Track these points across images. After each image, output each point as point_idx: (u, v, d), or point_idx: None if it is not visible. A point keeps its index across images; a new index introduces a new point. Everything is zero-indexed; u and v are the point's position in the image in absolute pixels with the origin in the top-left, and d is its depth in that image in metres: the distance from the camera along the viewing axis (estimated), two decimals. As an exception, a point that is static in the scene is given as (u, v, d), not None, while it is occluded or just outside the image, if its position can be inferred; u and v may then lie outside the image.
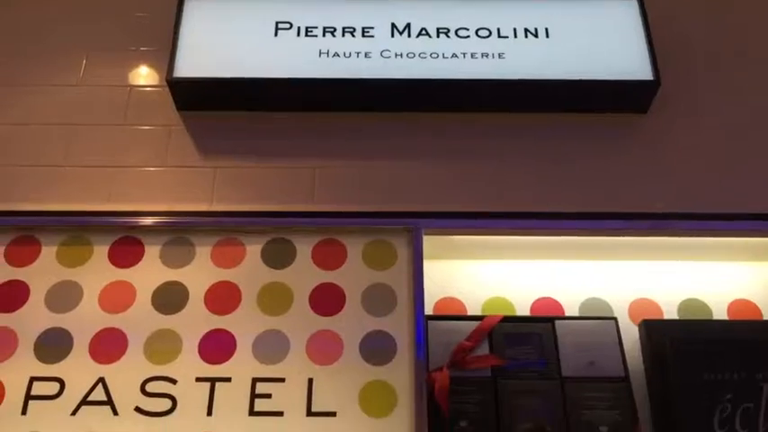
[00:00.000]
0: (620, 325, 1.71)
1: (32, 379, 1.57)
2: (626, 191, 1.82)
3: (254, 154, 1.86)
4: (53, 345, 1.61)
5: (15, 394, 1.55)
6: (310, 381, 1.58)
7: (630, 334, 1.74)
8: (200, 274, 1.70)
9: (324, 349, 1.62)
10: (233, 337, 1.63)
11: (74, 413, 1.53)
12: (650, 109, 1.92)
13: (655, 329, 1.69)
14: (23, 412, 1.53)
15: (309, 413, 1.55)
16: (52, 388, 1.56)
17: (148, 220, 1.74)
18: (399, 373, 1.60)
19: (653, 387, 1.66)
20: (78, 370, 1.58)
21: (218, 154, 1.86)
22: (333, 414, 1.55)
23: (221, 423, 1.53)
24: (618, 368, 1.64)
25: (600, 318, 1.74)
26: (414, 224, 1.75)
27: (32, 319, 1.64)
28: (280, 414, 1.55)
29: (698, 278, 1.86)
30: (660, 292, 1.84)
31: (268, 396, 1.57)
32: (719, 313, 1.82)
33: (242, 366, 1.59)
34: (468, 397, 1.61)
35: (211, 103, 1.91)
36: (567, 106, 1.91)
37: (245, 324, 1.64)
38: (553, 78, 1.86)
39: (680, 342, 1.64)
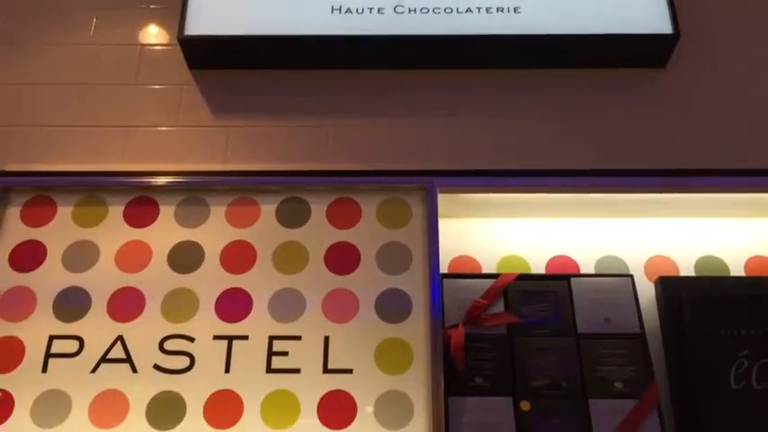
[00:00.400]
0: (636, 282, 1.70)
1: (52, 337, 1.59)
2: (644, 147, 1.80)
3: (268, 113, 1.85)
4: (71, 304, 1.62)
5: (35, 352, 1.57)
6: (326, 338, 1.59)
7: (646, 292, 1.74)
8: (214, 233, 1.70)
9: (339, 307, 1.63)
10: (249, 295, 1.63)
11: (93, 371, 1.55)
12: (669, 62, 1.88)
13: (671, 286, 1.68)
14: (44, 370, 1.55)
15: (326, 370, 1.56)
16: (71, 346, 1.58)
17: (162, 180, 1.74)
18: (415, 331, 1.60)
19: (669, 344, 1.66)
20: (97, 328, 1.60)
21: (230, 113, 1.85)
22: (349, 371, 1.56)
23: (239, 380, 1.55)
24: (634, 325, 1.64)
25: (616, 275, 1.73)
26: (428, 182, 1.74)
27: (50, 278, 1.65)
28: (297, 371, 1.56)
29: (714, 235, 1.84)
30: (677, 250, 1.83)
31: (285, 354, 1.58)
32: (736, 270, 1.80)
33: (258, 324, 1.60)
34: (484, 354, 1.62)
35: (223, 61, 1.89)
36: (583, 61, 1.88)
37: (260, 283, 1.65)
38: (569, 33, 1.82)
39: (696, 298, 1.63)
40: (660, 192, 1.76)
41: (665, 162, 1.78)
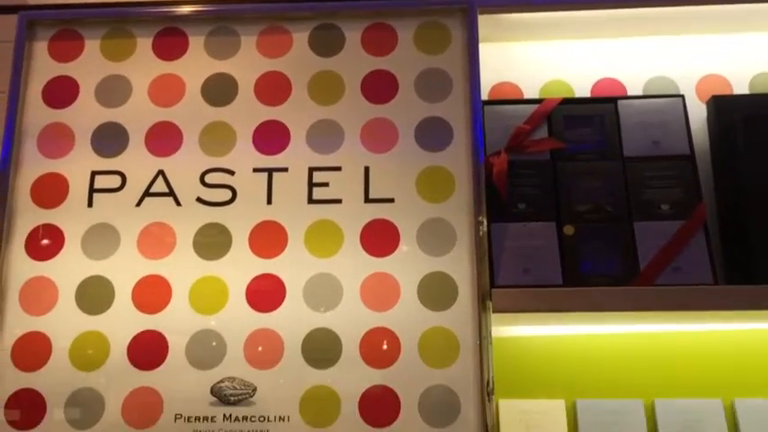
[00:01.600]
0: (686, 103, 1.63)
1: (94, 173, 1.59)
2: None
3: (294, -68, 1.73)
4: (109, 139, 1.61)
5: (79, 188, 1.58)
6: (366, 169, 1.57)
7: (698, 113, 1.67)
8: (247, 64, 1.65)
9: (378, 137, 1.59)
10: (286, 127, 1.60)
11: (138, 204, 1.57)
12: None
13: (724, 105, 1.61)
14: (89, 205, 1.57)
15: (367, 200, 1.56)
16: (114, 181, 1.59)
17: (188, 9, 1.66)
18: (456, 159, 1.57)
19: (718, 165, 1.62)
20: (137, 163, 1.59)
21: (255, -66, 1.73)
22: (391, 200, 1.55)
23: (282, 211, 1.55)
24: (683, 146, 1.59)
25: (665, 95, 1.66)
26: (467, 2, 1.64)
27: (85, 114, 1.63)
28: (338, 201, 1.56)
29: (771, 51, 1.74)
30: (730, 68, 1.73)
31: (326, 185, 1.57)
32: (794, 87, 1.72)
33: (297, 156, 1.59)
34: (527, 180, 1.60)
35: None
36: None
37: (297, 114, 1.61)
38: None
39: (750, 117, 1.57)
40: (712, 3, 1.64)
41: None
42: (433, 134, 1.59)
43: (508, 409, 1.60)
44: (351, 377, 1.45)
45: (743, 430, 1.54)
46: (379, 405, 1.44)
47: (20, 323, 1.50)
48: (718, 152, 1.62)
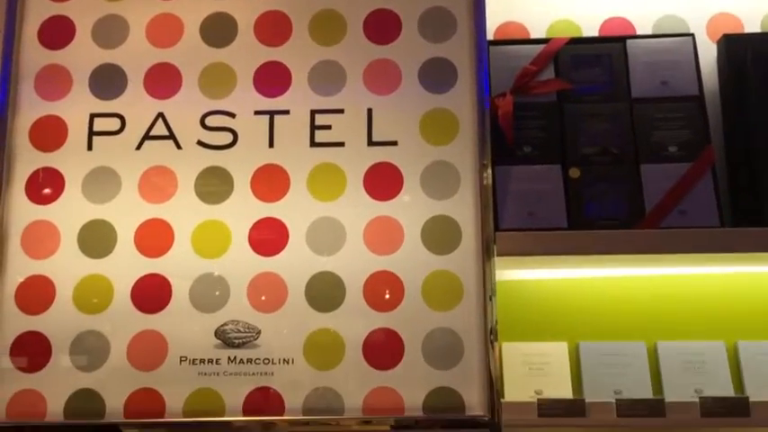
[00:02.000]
0: (697, 43, 1.59)
1: (93, 116, 1.57)
2: None
3: None
4: (108, 81, 1.58)
5: (78, 131, 1.56)
6: (369, 111, 1.55)
7: (708, 54, 1.64)
8: (246, 2, 1.60)
9: (381, 79, 1.56)
10: (287, 69, 1.57)
11: (138, 147, 1.55)
12: None
13: (735, 44, 1.57)
14: (89, 148, 1.55)
15: (370, 143, 1.53)
16: (113, 124, 1.56)
17: (182, -57, 1.62)
18: (461, 101, 1.54)
19: (728, 106, 1.59)
20: (136, 105, 1.57)
21: None
22: (394, 143, 1.53)
23: (284, 154, 1.53)
24: (692, 87, 1.56)
25: (675, 35, 1.62)
26: (474, -62, 1.59)
27: (82, 55, 1.60)
28: (341, 144, 1.53)
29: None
30: (742, 6, 1.69)
31: (328, 127, 1.55)
32: (808, 22, 1.68)
33: (299, 99, 1.56)
34: (533, 122, 1.57)
35: None
36: None
37: (298, 55, 1.57)
38: None
39: (762, 57, 1.53)
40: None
41: None
42: (437, 75, 1.56)
43: (511, 351, 1.60)
44: (354, 320, 1.46)
45: (745, 372, 1.55)
46: (383, 348, 1.44)
47: (23, 267, 1.50)
48: (729, 93, 1.59)
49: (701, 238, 1.43)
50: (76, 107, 1.58)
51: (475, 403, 1.41)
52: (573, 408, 1.38)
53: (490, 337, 1.42)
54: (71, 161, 1.55)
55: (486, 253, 1.45)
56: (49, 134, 1.56)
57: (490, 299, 1.43)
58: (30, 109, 1.58)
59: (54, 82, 1.59)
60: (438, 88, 1.55)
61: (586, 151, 1.54)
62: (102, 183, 1.53)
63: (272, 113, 1.56)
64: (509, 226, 1.50)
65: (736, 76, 1.56)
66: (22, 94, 1.59)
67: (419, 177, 1.51)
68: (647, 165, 1.51)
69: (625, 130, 1.54)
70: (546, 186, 1.53)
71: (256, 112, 1.56)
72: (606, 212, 1.50)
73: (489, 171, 1.49)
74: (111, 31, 1.61)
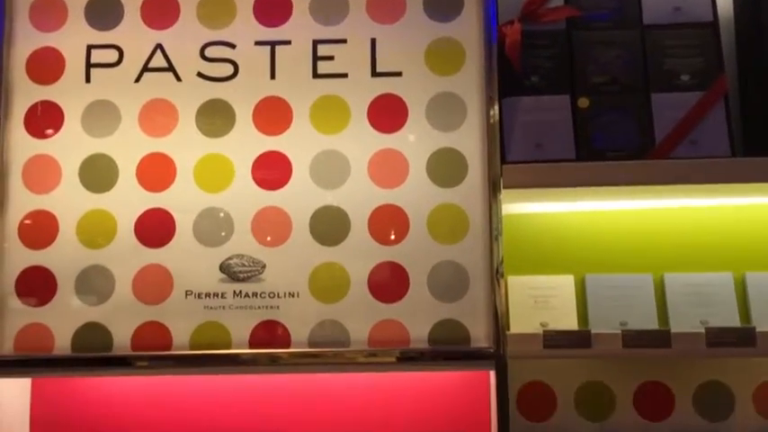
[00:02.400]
0: (712, -35, 1.54)
1: (90, 47, 1.53)
2: None
3: None
4: (103, 10, 1.54)
5: (76, 63, 1.53)
6: (373, 41, 1.51)
7: (723, -19, 1.58)
8: None
9: (385, 7, 1.52)
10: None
11: (137, 80, 1.52)
12: None
13: (753, -32, 1.52)
14: (87, 80, 1.52)
15: (374, 74, 1.50)
16: (111, 56, 1.53)
17: None
18: (467, 29, 1.50)
19: (743, 35, 1.54)
20: (134, 37, 1.53)
21: None
22: (398, 74, 1.50)
23: (286, 86, 1.50)
24: (706, 13, 1.51)
25: (690, -42, 1.57)
26: None
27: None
28: (344, 76, 1.50)
29: None
30: (762, -72, 1.62)
31: (330, 58, 1.51)
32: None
33: (301, 28, 1.52)
34: (541, 51, 1.53)
35: None
36: None
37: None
38: None
39: (781, -19, 1.48)
40: None
41: None
42: (442, 3, 1.51)
43: (517, 285, 1.60)
44: (359, 254, 1.45)
45: (753, 303, 1.54)
46: (388, 281, 1.44)
47: (25, 201, 1.49)
48: (744, 19, 1.54)
49: (712, 169, 1.40)
50: (73, 38, 1.54)
51: (480, 335, 1.41)
52: (578, 339, 1.38)
53: (497, 272, 1.41)
54: (69, 94, 1.52)
55: (493, 188, 1.43)
56: (46, 66, 1.53)
57: (497, 237, 1.42)
58: (25, 41, 1.54)
59: (49, 12, 1.55)
60: (444, 17, 1.51)
61: (596, 80, 1.51)
62: (101, 116, 1.50)
63: (273, 44, 1.52)
64: (516, 158, 1.48)
65: (753, 2, 1.51)
66: (18, 25, 1.55)
67: (424, 109, 1.48)
68: (658, 94, 1.48)
69: (636, 59, 1.50)
70: (554, 117, 1.50)
71: (257, 43, 1.52)
72: (615, 143, 1.48)
73: (496, 102, 1.46)
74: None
